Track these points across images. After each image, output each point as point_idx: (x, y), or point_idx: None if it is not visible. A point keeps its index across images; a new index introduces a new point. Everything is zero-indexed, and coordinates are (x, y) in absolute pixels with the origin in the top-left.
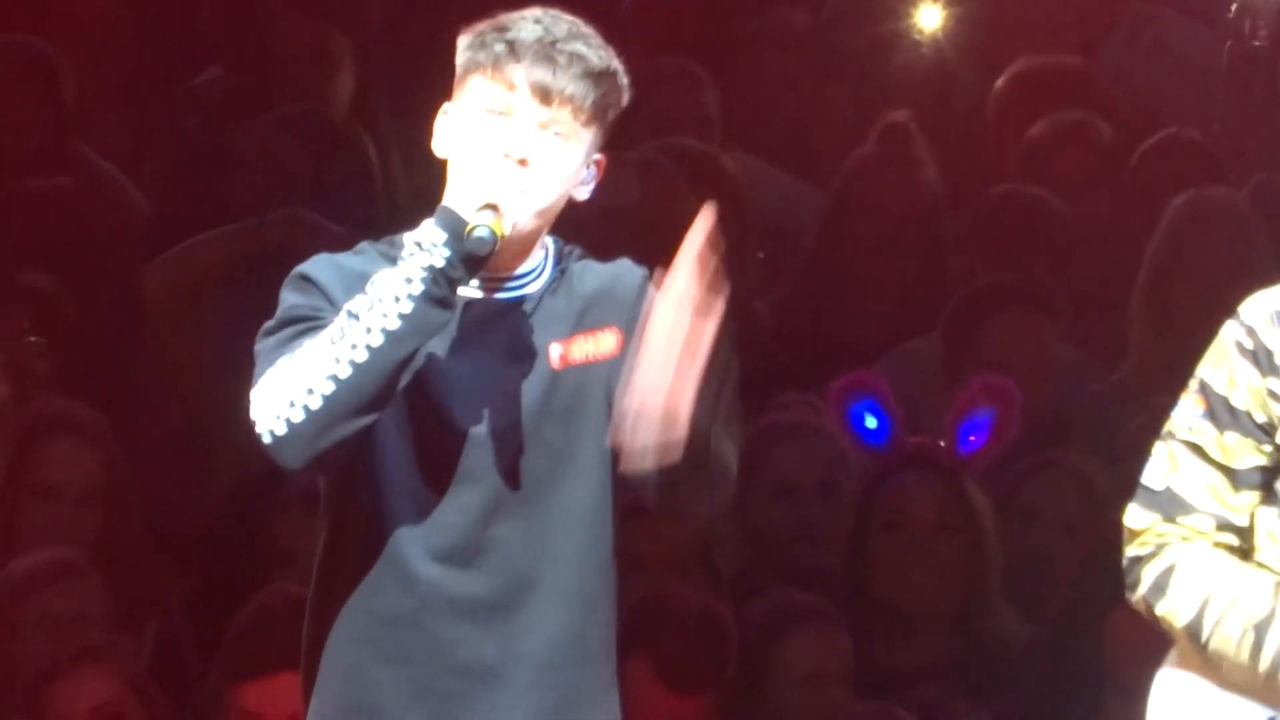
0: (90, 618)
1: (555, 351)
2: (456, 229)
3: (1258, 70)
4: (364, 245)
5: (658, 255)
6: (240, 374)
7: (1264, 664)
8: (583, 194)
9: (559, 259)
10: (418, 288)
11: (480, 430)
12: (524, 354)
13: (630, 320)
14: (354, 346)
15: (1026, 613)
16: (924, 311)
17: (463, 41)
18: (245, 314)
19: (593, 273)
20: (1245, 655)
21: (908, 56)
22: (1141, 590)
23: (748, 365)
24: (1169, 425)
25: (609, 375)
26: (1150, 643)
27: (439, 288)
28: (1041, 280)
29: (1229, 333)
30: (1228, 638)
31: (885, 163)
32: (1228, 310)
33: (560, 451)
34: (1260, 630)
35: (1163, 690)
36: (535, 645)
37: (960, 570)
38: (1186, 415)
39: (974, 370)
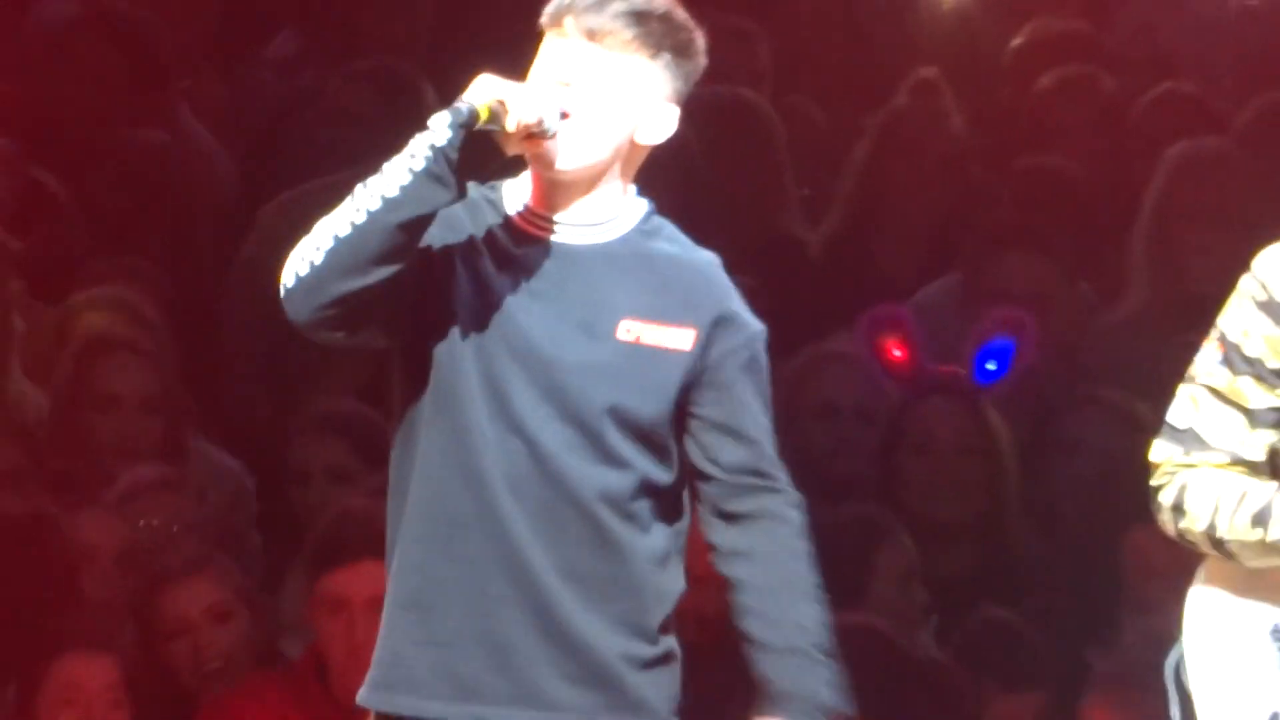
0: (191, 528)
1: (629, 326)
2: (460, 115)
3: (1260, 39)
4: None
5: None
6: None
7: (1269, 542)
8: (650, 138)
9: (645, 219)
10: (419, 163)
11: (546, 368)
12: (588, 308)
13: (707, 326)
14: (356, 210)
15: (1055, 533)
16: (954, 251)
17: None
18: None
19: (679, 251)
20: (1254, 541)
21: (935, 15)
22: (1163, 515)
23: (796, 296)
24: (1191, 369)
25: (675, 369)
26: (1166, 562)
27: (437, 165)
28: (1046, 222)
29: (1245, 285)
30: (1239, 530)
31: (916, 115)
32: (1220, 249)
33: (607, 422)
34: (1262, 517)
35: (1195, 606)
36: (581, 558)
37: (980, 486)
38: (1207, 361)
39: (991, 303)
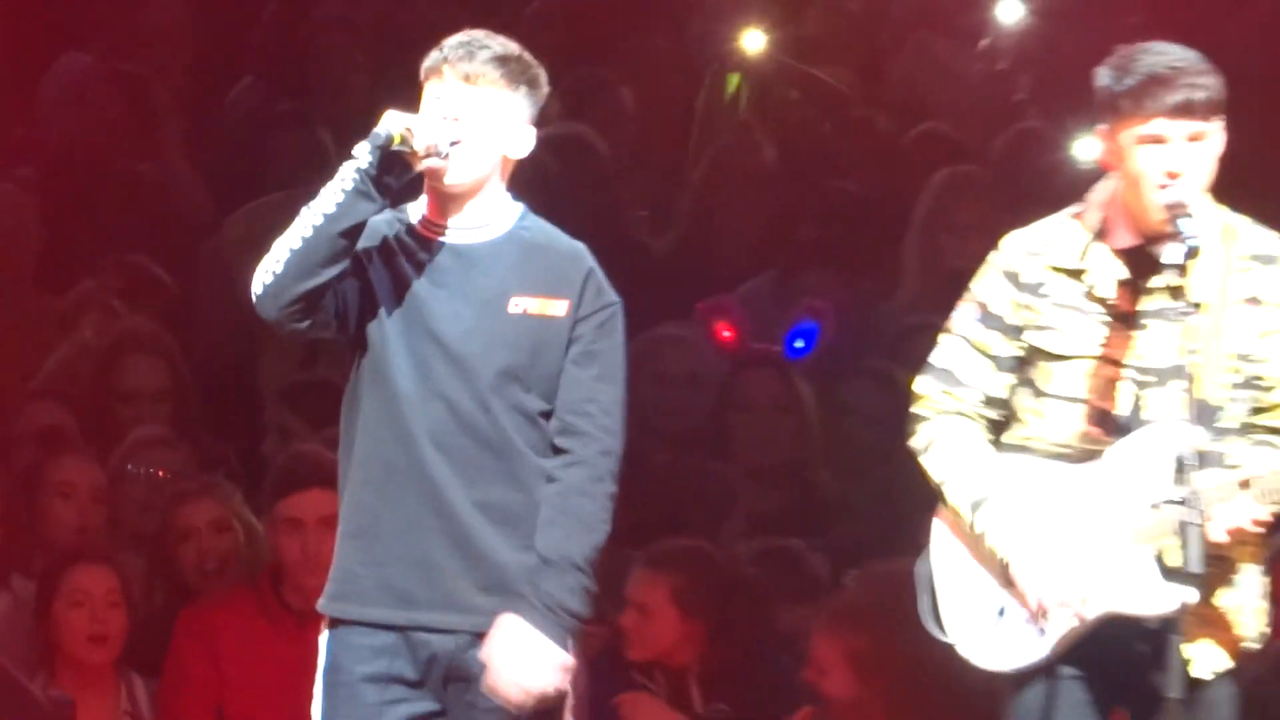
0: (187, 467)
1: (514, 301)
2: (378, 139)
3: (1001, 86)
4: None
5: None
6: None
7: (976, 530)
8: (518, 153)
9: (521, 219)
10: (349, 184)
11: (447, 347)
12: (484, 294)
13: (580, 295)
14: (305, 226)
15: (847, 476)
16: (769, 255)
17: (421, 69)
18: None
19: (549, 240)
20: (966, 521)
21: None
22: (914, 442)
23: (642, 292)
24: (949, 323)
25: (557, 334)
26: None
27: (363, 184)
28: (839, 232)
29: (994, 258)
30: (957, 501)
31: (736, 149)
32: (972, 253)
33: (502, 381)
34: (976, 507)
35: (940, 523)
36: (486, 500)
37: (788, 439)
38: (963, 316)
39: (799, 295)
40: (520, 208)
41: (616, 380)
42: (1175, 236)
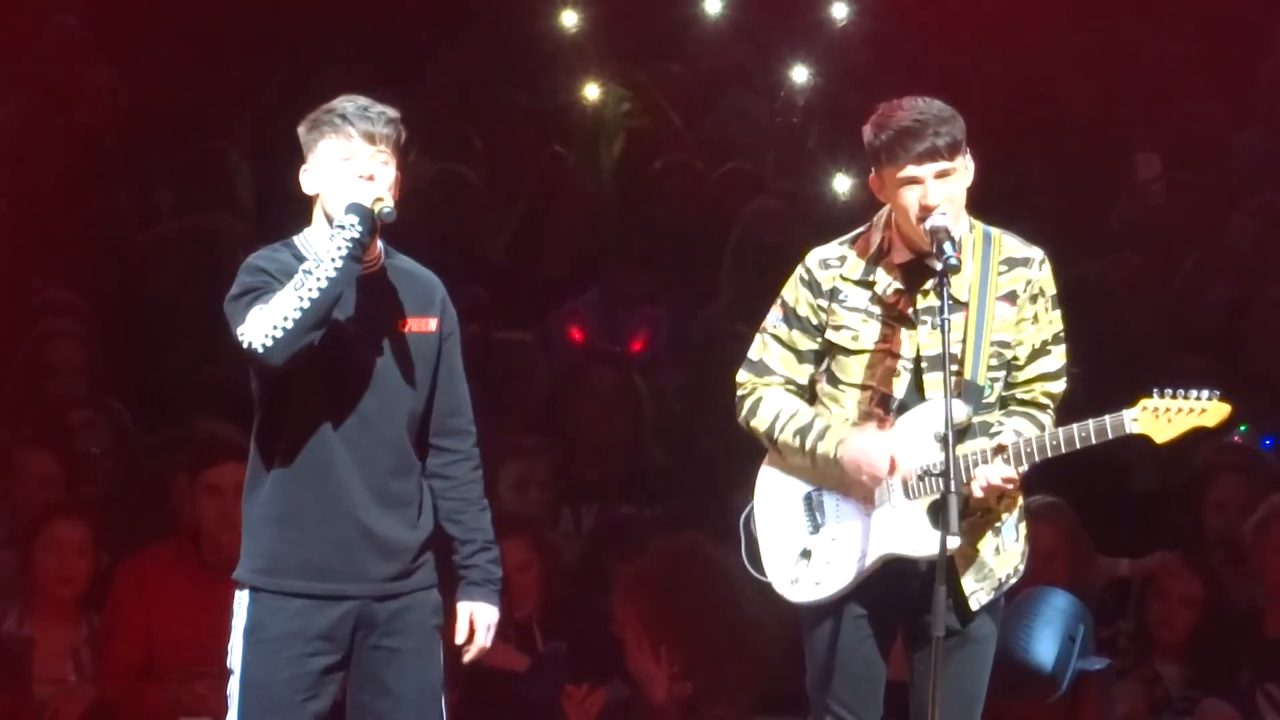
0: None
1: (403, 322)
2: (365, 213)
3: (796, 134)
4: (275, 245)
5: None
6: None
7: (806, 449)
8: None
9: (384, 250)
10: (344, 252)
11: (360, 366)
12: (382, 317)
13: (442, 313)
14: (310, 289)
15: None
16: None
17: (303, 127)
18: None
19: (412, 268)
20: (795, 446)
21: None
22: (742, 415)
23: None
24: (764, 322)
25: (431, 347)
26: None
27: (356, 250)
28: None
29: (799, 270)
30: (787, 437)
31: (560, 183)
32: (779, 269)
33: (399, 391)
34: (803, 432)
35: (761, 478)
36: (388, 496)
37: (629, 421)
38: (772, 317)
39: (635, 304)
40: (380, 242)
41: (466, 384)
42: (939, 255)
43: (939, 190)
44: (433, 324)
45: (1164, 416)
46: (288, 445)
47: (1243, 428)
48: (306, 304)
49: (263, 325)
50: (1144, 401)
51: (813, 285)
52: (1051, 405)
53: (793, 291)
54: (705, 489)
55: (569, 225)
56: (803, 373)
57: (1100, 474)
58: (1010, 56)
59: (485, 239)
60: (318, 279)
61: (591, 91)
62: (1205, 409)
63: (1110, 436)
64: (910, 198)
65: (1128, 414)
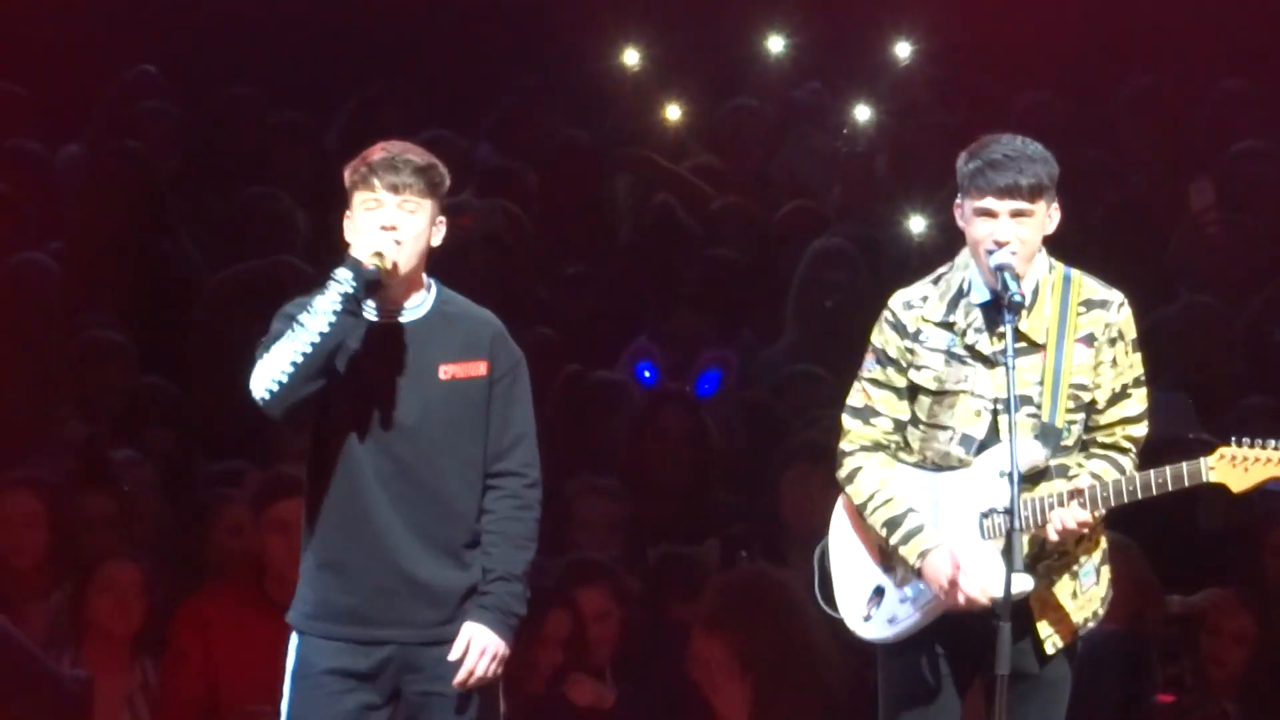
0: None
1: (444, 369)
2: (358, 269)
3: (855, 164)
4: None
5: None
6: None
7: (891, 543)
8: (436, 241)
9: (438, 295)
10: (337, 305)
11: (393, 415)
12: (419, 365)
13: (493, 355)
14: (303, 343)
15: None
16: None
17: (345, 176)
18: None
19: (464, 311)
20: (883, 535)
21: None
22: (840, 474)
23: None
24: (860, 372)
25: (480, 390)
26: (811, 500)
27: (348, 304)
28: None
29: (884, 314)
30: (876, 523)
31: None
32: (844, 311)
33: (442, 438)
34: (890, 525)
35: (836, 517)
36: (432, 542)
37: (695, 461)
38: (868, 364)
39: (699, 344)
40: (434, 284)
41: (530, 422)
42: (1003, 291)
43: (1011, 228)
44: (482, 368)
45: (1240, 465)
46: (330, 492)
47: None
48: (299, 358)
49: (262, 378)
50: (1221, 450)
51: (898, 327)
52: (1134, 449)
53: (880, 336)
54: (771, 529)
55: (631, 263)
56: (905, 410)
57: (1165, 511)
58: (1071, 96)
59: (544, 278)
60: (311, 332)
61: (654, 126)
62: None
63: (1187, 484)
64: (983, 230)
65: (1205, 462)
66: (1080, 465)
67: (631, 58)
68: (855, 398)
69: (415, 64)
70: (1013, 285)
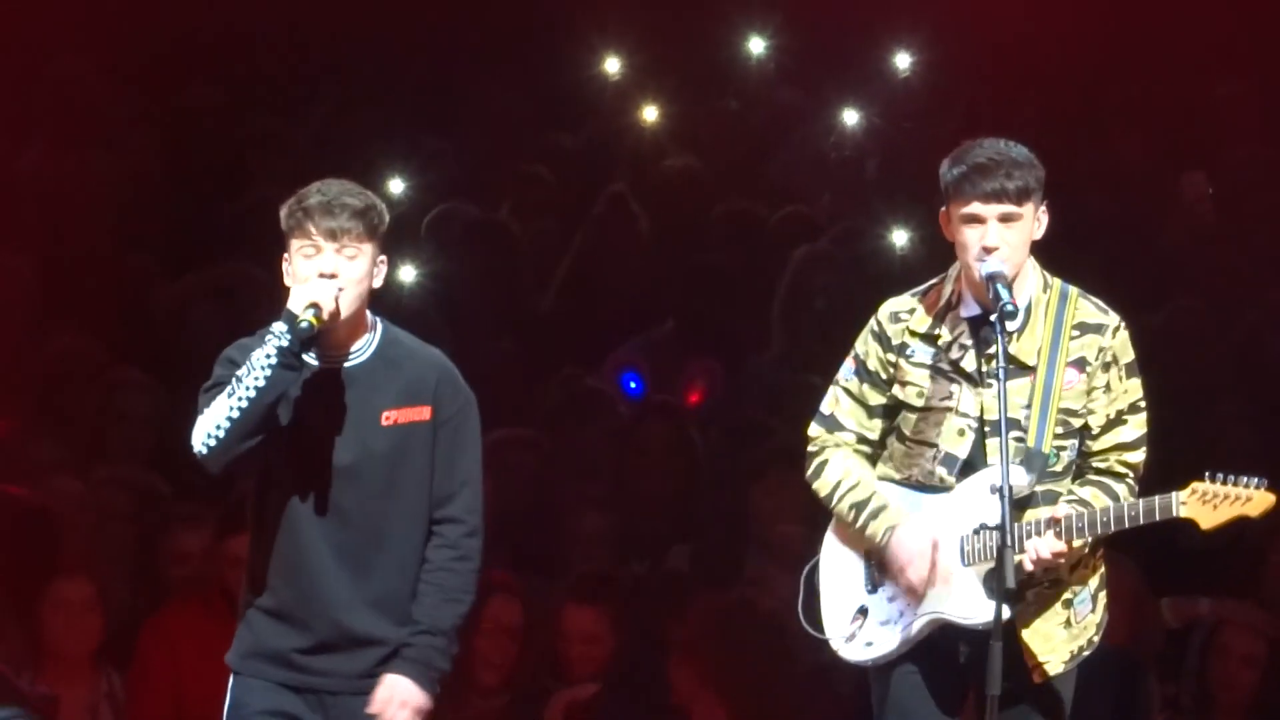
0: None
1: (385, 415)
2: (293, 323)
3: (849, 168)
4: (258, 333)
5: None
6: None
7: (857, 525)
8: (378, 283)
9: (383, 336)
10: (273, 360)
11: (333, 463)
12: (360, 411)
13: (437, 399)
14: (239, 398)
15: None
16: (649, 314)
17: (282, 214)
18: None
19: (410, 353)
20: (849, 519)
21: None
22: (808, 473)
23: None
24: (837, 375)
25: (424, 435)
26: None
27: (285, 359)
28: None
29: (871, 322)
30: (843, 508)
31: (610, 220)
32: (828, 317)
33: (384, 486)
34: (858, 507)
35: (828, 536)
36: (372, 594)
37: (682, 472)
38: (845, 370)
39: (695, 353)
40: (379, 326)
41: (477, 467)
42: (995, 300)
43: (1000, 233)
44: (425, 412)
45: (1210, 502)
46: (271, 538)
47: None
48: (236, 413)
49: (200, 431)
50: (1194, 485)
51: (882, 339)
52: (1131, 474)
53: (864, 344)
54: (756, 543)
55: (622, 270)
56: (874, 428)
57: (1164, 526)
58: (1061, 101)
59: (530, 286)
60: (247, 387)
61: (639, 131)
62: (1251, 497)
63: (1158, 519)
64: (971, 237)
65: (1176, 497)
66: (1071, 492)
67: (613, 66)
68: (826, 403)
69: (390, 70)
70: (1004, 294)
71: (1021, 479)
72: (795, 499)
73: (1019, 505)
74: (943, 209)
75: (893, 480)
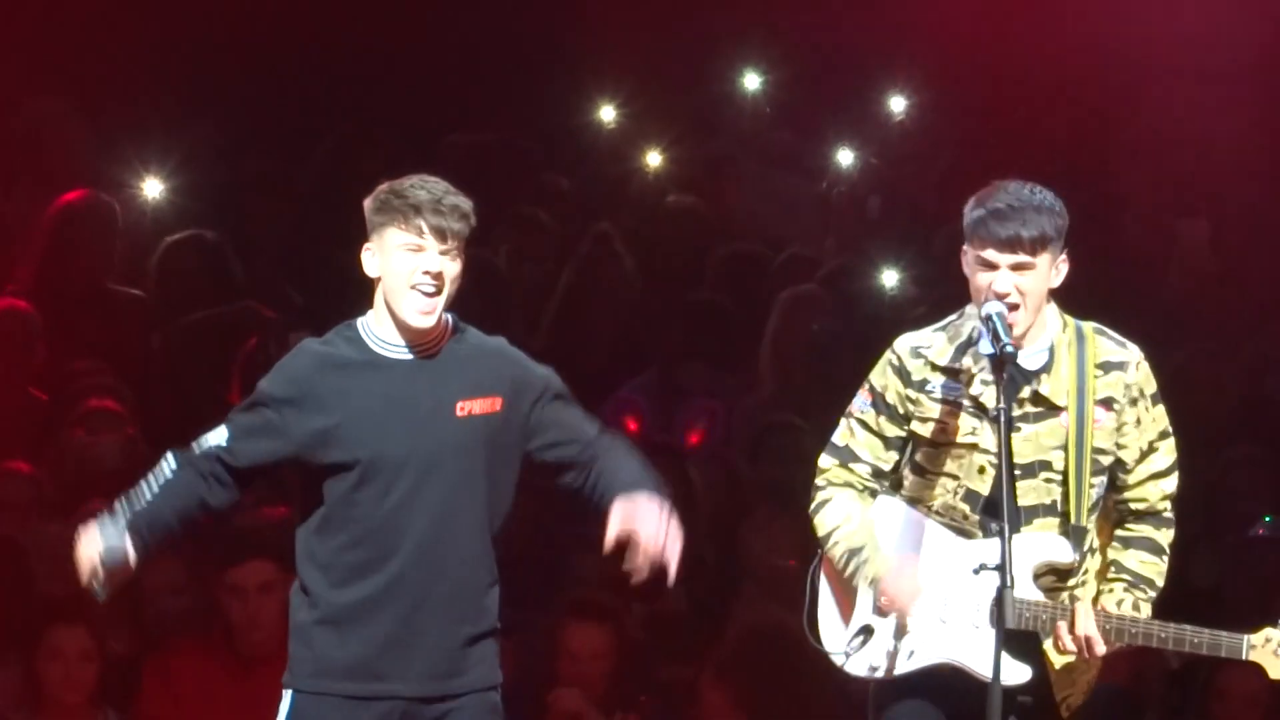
0: None
1: (460, 406)
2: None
3: (844, 207)
4: (340, 329)
5: None
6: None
7: (846, 572)
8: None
9: (455, 329)
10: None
11: (408, 451)
12: (437, 402)
13: (511, 390)
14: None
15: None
16: (639, 356)
17: (371, 205)
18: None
19: (480, 345)
20: (840, 565)
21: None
22: (811, 507)
23: None
24: (850, 407)
25: (495, 427)
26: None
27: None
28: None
29: (888, 355)
30: (835, 554)
31: (595, 259)
32: (815, 358)
33: (457, 478)
34: (850, 555)
35: (818, 573)
36: (443, 589)
37: (681, 512)
38: (860, 403)
39: (692, 395)
40: (450, 320)
41: (575, 416)
42: (994, 341)
43: (1010, 280)
44: (498, 403)
45: None
46: (336, 545)
47: (1267, 518)
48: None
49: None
50: (1268, 632)
51: (902, 373)
52: (1169, 508)
53: (881, 378)
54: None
55: (615, 312)
56: (889, 459)
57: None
58: (1063, 138)
59: (520, 327)
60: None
61: (634, 175)
62: None
63: (1223, 655)
64: (983, 280)
65: (1247, 639)
66: (1117, 566)
67: (608, 115)
68: (839, 435)
69: (388, 114)
70: (1004, 335)
71: (1067, 555)
72: (786, 534)
73: (1062, 576)
74: (964, 248)
75: (916, 503)
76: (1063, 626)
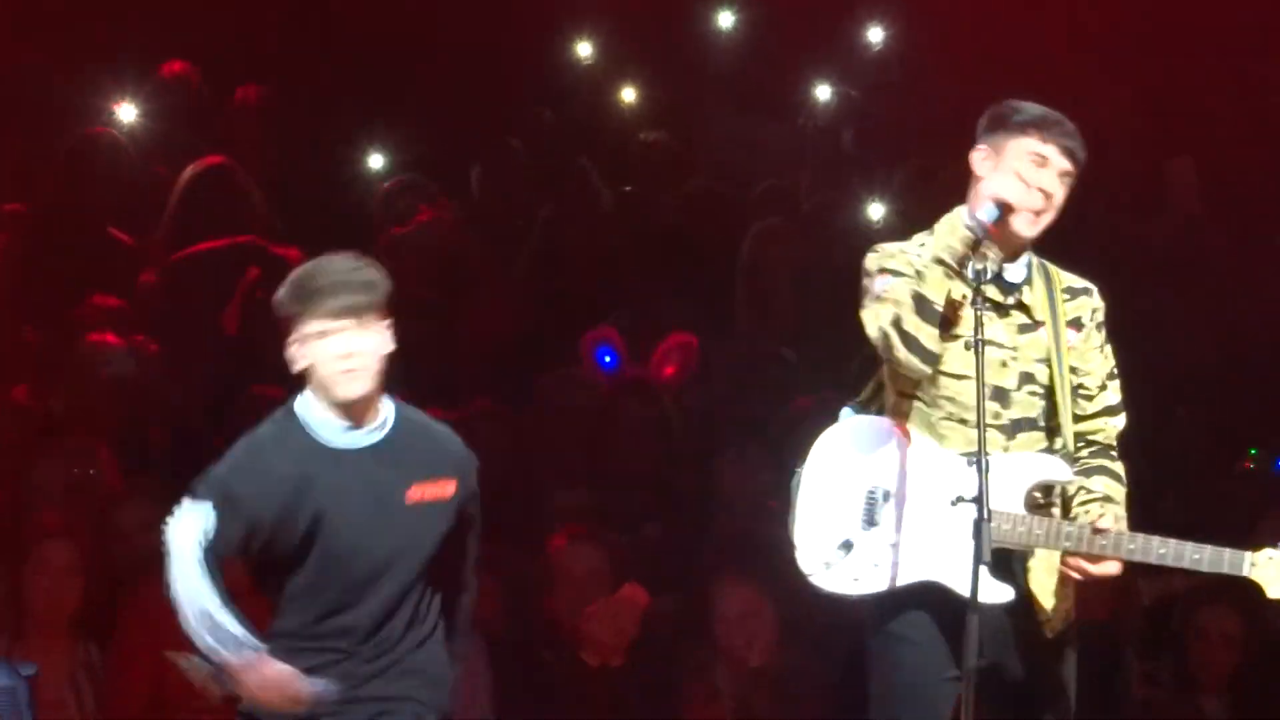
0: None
1: (411, 492)
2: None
3: (823, 141)
4: (270, 422)
5: None
6: None
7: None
8: (387, 350)
9: (397, 411)
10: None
11: (359, 543)
12: (385, 490)
13: (461, 476)
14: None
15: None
16: (616, 290)
17: (280, 299)
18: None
19: (424, 427)
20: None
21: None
22: (870, 325)
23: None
24: (865, 300)
25: (446, 513)
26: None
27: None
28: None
29: (871, 259)
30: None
31: (573, 193)
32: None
33: (409, 561)
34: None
35: (824, 448)
36: (390, 659)
37: (658, 444)
38: (876, 285)
39: (667, 329)
40: (391, 403)
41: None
42: (986, 219)
43: (1054, 181)
44: (451, 487)
45: None
46: (291, 637)
47: (1253, 451)
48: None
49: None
50: (1269, 550)
51: (896, 256)
52: (1116, 449)
53: (878, 258)
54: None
55: (593, 246)
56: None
57: (1144, 499)
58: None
59: (500, 263)
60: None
61: (614, 109)
62: None
63: (1225, 570)
64: (1028, 169)
65: (1249, 556)
66: (1083, 489)
67: (585, 50)
68: (868, 316)
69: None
70: (995, 214)
71: (1064, 473)
72: (765, 468)
73: (1048, 493)
74: (985, 144)
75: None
76: (1069, 569)
